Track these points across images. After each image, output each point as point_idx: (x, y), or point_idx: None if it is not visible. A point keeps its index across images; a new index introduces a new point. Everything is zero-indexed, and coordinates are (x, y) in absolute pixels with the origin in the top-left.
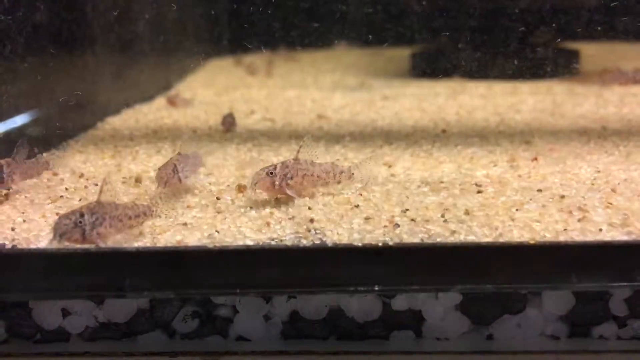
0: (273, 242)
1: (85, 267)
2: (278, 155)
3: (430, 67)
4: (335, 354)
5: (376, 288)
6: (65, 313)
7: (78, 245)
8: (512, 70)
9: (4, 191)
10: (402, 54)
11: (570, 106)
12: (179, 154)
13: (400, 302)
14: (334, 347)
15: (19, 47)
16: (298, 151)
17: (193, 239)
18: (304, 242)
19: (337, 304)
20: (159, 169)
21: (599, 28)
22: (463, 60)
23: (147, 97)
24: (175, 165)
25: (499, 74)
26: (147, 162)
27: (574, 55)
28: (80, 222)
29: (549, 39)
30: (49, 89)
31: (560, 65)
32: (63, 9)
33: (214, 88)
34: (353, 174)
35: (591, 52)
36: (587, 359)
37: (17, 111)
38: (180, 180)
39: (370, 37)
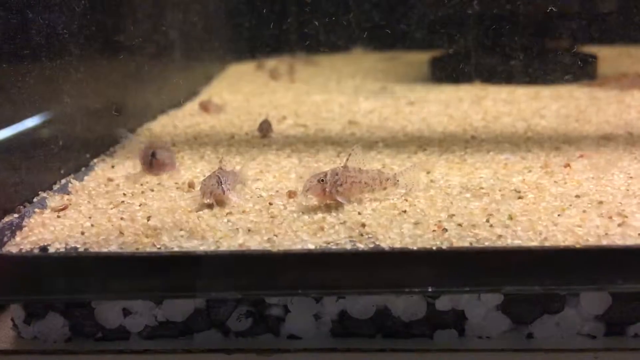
0: (331, 246)
1: (153, 269)
2: (318, 162)
3: (450, 71)
4: (381, 351)
5: (430, 289)
6: (125, 312)
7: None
8: (532, 75)
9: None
10: (421, 59)
11: (594, 111)
12: (220, 169)
13: (444, 303)
14: (380, 345)
15: (69, 56)
16: (347, 159)
17: (254, 243)
18: (361, 246)
19: (383, 304)
20: (203, 181)
21: (617, 32)
22: (483, 65)
23: (178, 103)
24: (219, 177)
25: (519, 79)
26: (194, 167)
27: (593, 59)
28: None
29: (568, 44)
30: (92, 95)
31: (579, 70)
32: (101, 20)
33: (240, 93)
34: (398, 180)
35: (609, 56)
36: (623, 357)
37: (66, 116)
38: (223, 191)
39: (387, 41)
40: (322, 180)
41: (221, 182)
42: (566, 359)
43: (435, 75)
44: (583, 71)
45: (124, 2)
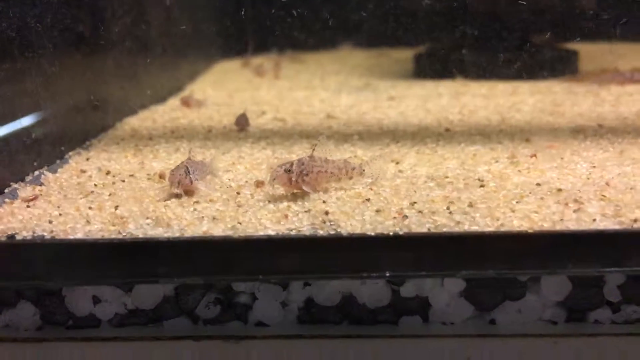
0: (292, 233)
1: (119, 256)
2: (291, 154)
3: (433, 68)
4: (347, 337)
5: (387, 274)
6: (95, 300)
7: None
8: (513, 71)
9: None
10: (406, 55)
11: (569, 105)
12: (189, 159)
13: (408, 289)
14: (346, 331)
15: (43, 49)
16: (313, 149)
17: (218, 230)
18: (321, 232)
19: (349, 290)
20: (171, 171)
21: (598, 28)
22: (466, 61)
23: (161, 98)
24: (187, 168)
25: (501, 75)
26: (168, 160)
27: (573, 55)
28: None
29: (549, 40)
30: (69, 89)
31: (559, 66)
32: (79, 14)
33: (224, 89)
34: (364, 170)
35: (590, 52)
36: (583, 342)
37: (41, 110)
38: (191, 181)
39: (375, 38)
40: (289, 170)
41: (189, 172)
42: (527, 344)
43: (419, 72)
44: (564, 67)
45: None
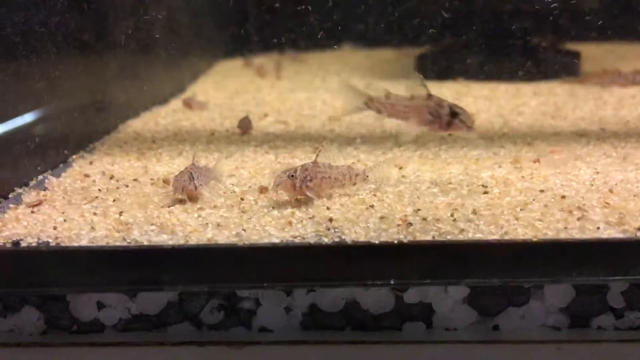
0: (297, 240)
1: (123, 263)
2: (294, 158)
3: (436, 69)
4: (351, 343)
5: (392, 282)
6: (100, 306)
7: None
8: (515, 72)
9: None
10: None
11: (571, 108)
12: (193, 164)
13: (412, 296)
14: (350, 337)
15: (46, 52)
16: (317, 155)
17: (222, 237)
18: (325, 240)
19: (352, 296)
20: (175, 177)
21: (600, 29)
22: (468, 62)
23: (163, 100)
24: (191, 173)
25: (503, 76)
26: (171, 163)
27: (576, 56)
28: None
29: (552, 41)
30: (72, 92)
31: (562, 67)
32: (81, 16)
33: (226, 90)
34: (368, 176)
35: (592, 53)
36: (586, 349)
37: (44, 114)
38: (195, 187)
39: (377, 38)
40: (292, 176)
41: (193, 178)
42: (531, 350)
43: (421, 73)
44: (566, 68)
45: None
